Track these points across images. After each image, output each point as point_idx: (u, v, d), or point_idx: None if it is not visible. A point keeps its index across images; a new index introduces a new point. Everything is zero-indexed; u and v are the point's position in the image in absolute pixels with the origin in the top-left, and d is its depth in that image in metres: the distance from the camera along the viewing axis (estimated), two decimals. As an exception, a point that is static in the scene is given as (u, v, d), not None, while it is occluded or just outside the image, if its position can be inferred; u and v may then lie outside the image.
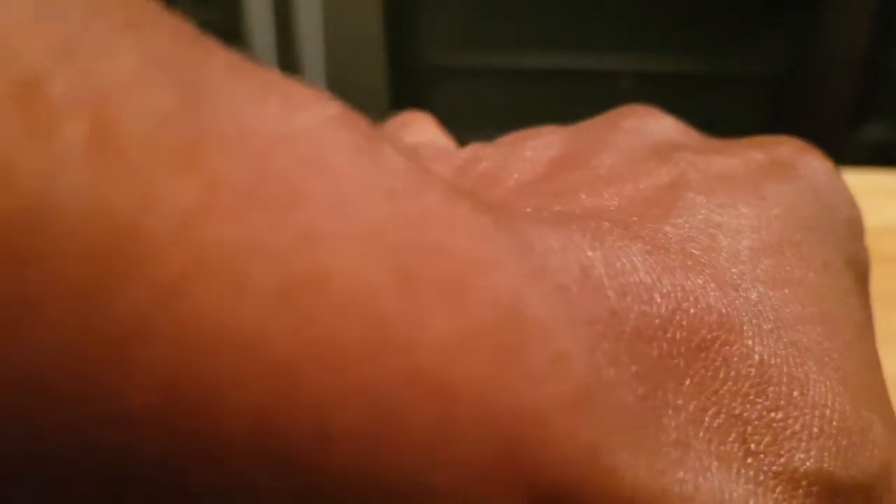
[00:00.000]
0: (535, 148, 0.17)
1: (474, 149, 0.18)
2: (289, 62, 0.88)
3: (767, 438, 0.12)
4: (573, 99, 0.85)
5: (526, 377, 0.09)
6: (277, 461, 0.08)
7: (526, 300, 0.09)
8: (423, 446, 0.08)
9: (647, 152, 0.16)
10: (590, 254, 0.11)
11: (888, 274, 0.48)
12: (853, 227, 0.19)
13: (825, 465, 0.13)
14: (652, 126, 0.18)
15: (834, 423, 0.13)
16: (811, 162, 0.17)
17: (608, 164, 0.16)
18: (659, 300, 0.11)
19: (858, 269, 0.18)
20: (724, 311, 0.12)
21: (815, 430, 0.13)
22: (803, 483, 0.13)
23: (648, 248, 0.12)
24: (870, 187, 0.56)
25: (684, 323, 0.11)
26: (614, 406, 0.10)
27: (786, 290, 0.14)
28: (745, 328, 0.12)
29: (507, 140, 0.18)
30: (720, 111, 0.88)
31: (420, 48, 0.97)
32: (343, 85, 0.87)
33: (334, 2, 1.01)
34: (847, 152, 0.81)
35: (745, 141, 0.19)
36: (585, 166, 0.16)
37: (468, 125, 0.81)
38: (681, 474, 0.10)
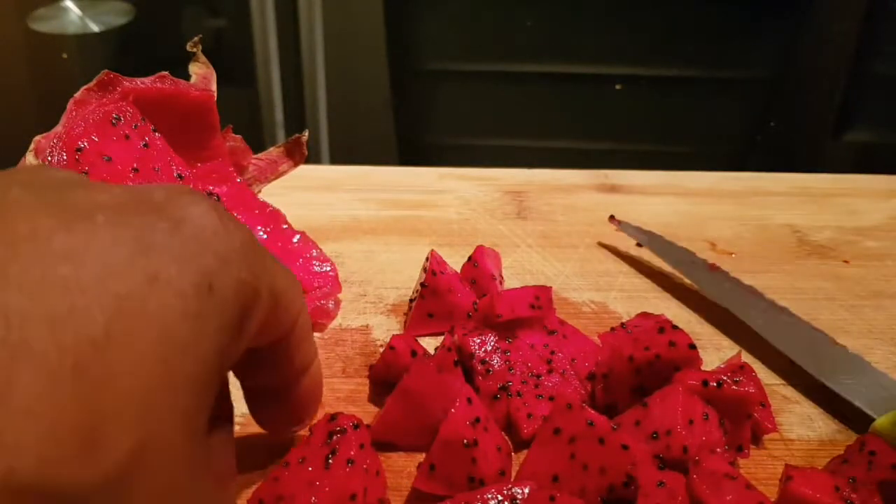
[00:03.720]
0: None
1: None
2: (292, 69, 0.89)
3: None
4: (569, 100, 0.87)
5: None
6: None
7: None
8: None
9: None
10: None
11: (873, 271, 0.50)
12: (223, 257, 0.20)
13: None
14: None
15: None
16: (186, 205, 0.20)
17: None
18: None
19: (223, 294, 0.20)
20: None
21: None
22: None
23: None
24: (854, 190, 0.57)
25: None
26: None
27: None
28: None
29: None
30: (709, 115, 0.89)
31: (420, 54, 0.98)
32: (344, 86, 0.88)
33: (336, 10, 1.02)
34: (832, 156, 0.82)
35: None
36: None
37: (469, 127, 0.83)
38: None
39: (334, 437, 0.30)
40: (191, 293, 0.18)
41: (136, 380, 0.17)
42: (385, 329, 0.42)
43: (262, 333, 0.23)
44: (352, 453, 0.29)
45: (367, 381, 0.38)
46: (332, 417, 0.30)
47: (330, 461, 0.29)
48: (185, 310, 0.18)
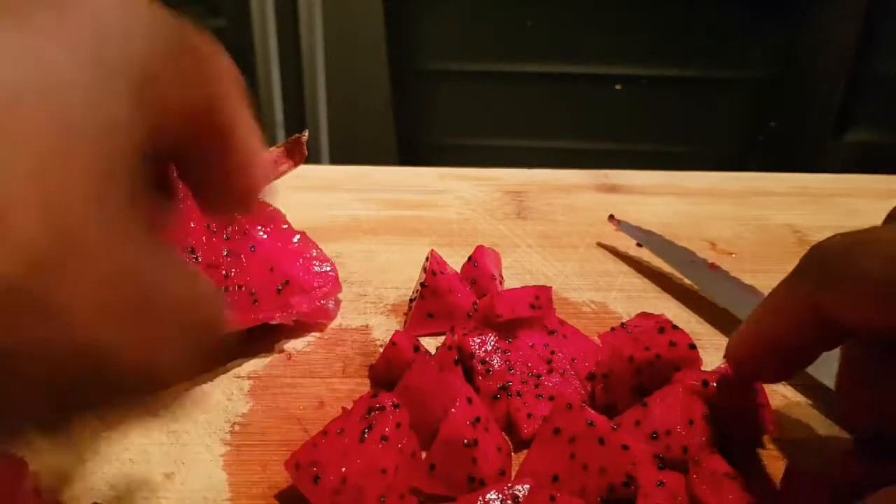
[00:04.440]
0: None
1: None
2: (292, 69, 0.89)
3: None
4: (569, 100, 0.87)
5: None
6: None
7: None
8: None
9: None
10: None
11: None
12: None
13: None
14: None
15: None
16: None
17: None
18: None
19: (132, 71, 0.20)
20: None
21: None
22: None
23: None
24: (854, 190, 0.57)
25: None
26: None
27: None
28: None
29: None
30: (709, 115, 0.89)
31: (420, 54, 0.99)
32: (344, 86, 0.89)
33: (336, 10, 1.03)
34: (832, 156, 0.82)
35: None
36: None
37: (469, 127, 0.83)
38: None
39: (373, 413, 0.31)
40: (84, 66, 0.19)
41: (34, 160, 0.17)
42: (385, 329, 0.42)
43: (191, 104, 0.23)
44: (387, 430, 0.30)
45: (367, 381, 0.38)
46: (375, 394, 0.31)
47: (365, 435, 0.30)
48: (78, 83, 0.18)
